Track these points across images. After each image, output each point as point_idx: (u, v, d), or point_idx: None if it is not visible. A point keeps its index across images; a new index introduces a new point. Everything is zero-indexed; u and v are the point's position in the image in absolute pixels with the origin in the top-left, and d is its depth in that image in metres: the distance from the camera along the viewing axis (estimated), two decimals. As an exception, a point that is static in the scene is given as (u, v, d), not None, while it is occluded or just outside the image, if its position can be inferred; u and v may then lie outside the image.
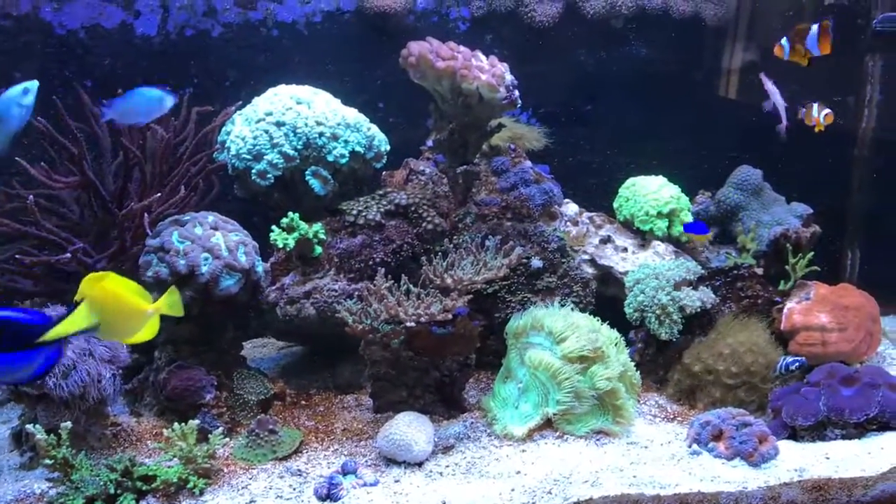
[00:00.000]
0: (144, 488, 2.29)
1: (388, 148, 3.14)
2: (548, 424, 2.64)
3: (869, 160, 3.64)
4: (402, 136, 3.33)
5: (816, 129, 3.01)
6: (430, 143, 3.18)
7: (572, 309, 2.90)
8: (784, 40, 2.75)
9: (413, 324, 2.48)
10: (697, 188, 3.51)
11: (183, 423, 2.40)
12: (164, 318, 2.72)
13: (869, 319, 3.06)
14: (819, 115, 3.04)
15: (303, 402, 2.91)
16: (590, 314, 2.94)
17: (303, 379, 3.08)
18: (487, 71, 2.78)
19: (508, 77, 2.85)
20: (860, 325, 3.01)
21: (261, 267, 2.79)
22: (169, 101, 2.47)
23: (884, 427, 2.55)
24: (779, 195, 3.37)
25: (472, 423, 2.72)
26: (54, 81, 2.95)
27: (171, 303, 2.17)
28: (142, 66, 3.20)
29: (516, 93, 2.86)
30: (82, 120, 2.87)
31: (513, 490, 2.27)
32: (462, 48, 2.90)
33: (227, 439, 2.54)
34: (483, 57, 2.91)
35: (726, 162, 3.39)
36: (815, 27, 2.66)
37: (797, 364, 2.76)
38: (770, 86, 3.06)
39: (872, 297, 3.14)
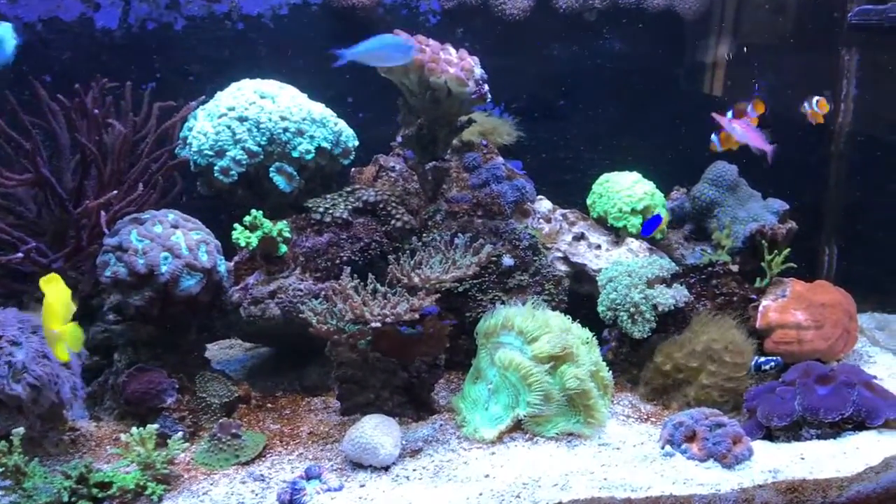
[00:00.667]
0: (101, 495, 2.21)
1: (357, 144, 3.07)
2: (518, 426, 2.58)
3: (846, 156, 3.60)
4: (372, 132, 3.26)
5: (816, 122, 2.99)
6: (399, 139, 3.11)
7: (544, 308, 2.84)
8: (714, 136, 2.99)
9: (379, 324, 2.41)
10: (673, 184, 3.46)
11: (142, 428, 2.34)
12: (127, 317, 2.70)
13: (845, 317, 3.03)
14: (813, 107, 3.00)
15: (268, 405, 2.84)
16: (562, 312, 2.89)
17: (269, 381, 3.01)
18: (456, 64, 2.71)
19: (478, 71, 2.79)
20: (837, 322, 2.98)
21: (223, 266, 2.72)
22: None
23: (859, 427, 2.51)
24: (755, 191, 3.32)
25: (441, 425, 2.66)
26: (10, 76, 2.86)
27: (72, 335, 2.17)
28: (102, 60, 3.11)
29: (485, 87, 2.80)
30: (39, 115, 2.79)
31: (480, 494, 2.21)
32: (431, 41, 2.84)
33: (188, 444, 2.46)
34: (453, 50, 2.85)
35: (702, 158, 3.33)
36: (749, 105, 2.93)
37: (771, 364, 2.71)
38: (728, 124, 3.00)
39: (850, 293, 3.12)
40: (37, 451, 2.40)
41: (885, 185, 3.53)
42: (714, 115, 3.01)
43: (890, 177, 3.51)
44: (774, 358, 2.71)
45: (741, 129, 2.96)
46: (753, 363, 2.70)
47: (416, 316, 2.45)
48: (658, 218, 2.73)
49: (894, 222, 3.55)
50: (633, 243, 3.20)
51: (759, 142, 2.98)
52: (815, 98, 2.97)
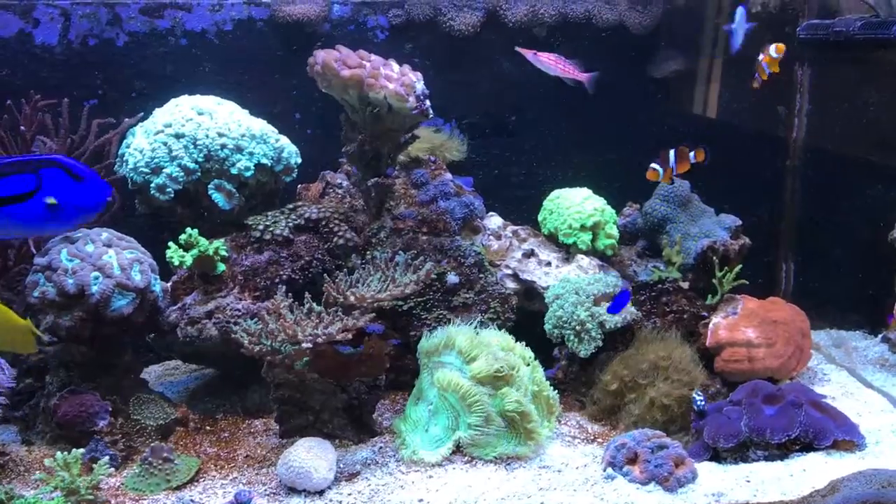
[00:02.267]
0: (22, 523, 2.16)
1: (300, 161, 3.02)
2: (459, 448, 2.53)
3: (801, 170, 3.57)
4: (320, 148, 3.21)
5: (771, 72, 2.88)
6: (344, 156, 3.07)
7: (489, 326, 2.80)
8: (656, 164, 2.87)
9: (310, 344, 2.36)
10: (628, 200, 3.42)
11: (66, 452, 2.27)
12: (57, 339, 2.64)
13: (798, 334, 2.98)
14: (771, 53, 2.88)
15: (207, 428, 2.77)
16: (510, 330, 2.85)
17: (211, 403, 2.94)
18: (396, 80, 2.67)
19: (420, 86, 2.75)
20: (789, 339, 2.94)
21: (158, 286, 2.66)
22: None
23: (807, 448, 2.46)
24: (707, 207, 3.28)
25: (381, 447, 2.61)
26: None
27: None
28: (42, 76, 3.05)
29: (427, 102, 2.76)
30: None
31: (413, 520, 2.16)
32: (374, 57, 2.80)
33: (112, 469, 2.39)
34: (396, 66, 2.81)
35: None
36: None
37: (699, 403, 2.62)
38: (533, 57, 2.90)
39: (807, 310, 3.07)
40: (-38, 476, 2.34)
41: (841, 200, 3.49)
42: (518, 48, 2.92)
43: (845, 192, 3.48)
44: (704, 398, 2.63)
45: (549, 60, 2.89)
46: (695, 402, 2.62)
47: (349, 336, 2.40)
48: (626, 295, 2.68)
49: (851, 238, 3.51)
50: (583, 260, 3.15)
51: (572, 72, 2.90)
52: (773, 45, 2.86)
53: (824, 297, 3.53)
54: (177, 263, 2.62)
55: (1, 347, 2.38)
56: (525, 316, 3.07)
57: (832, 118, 3.40)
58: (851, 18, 2.93)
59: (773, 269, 3.69)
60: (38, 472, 2.45)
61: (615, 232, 3.27)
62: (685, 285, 3.03)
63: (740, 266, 3.00)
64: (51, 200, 2.15)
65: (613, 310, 2.72)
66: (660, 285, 3.00)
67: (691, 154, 2.84)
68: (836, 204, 3.52)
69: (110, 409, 2.57)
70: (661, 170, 2.80)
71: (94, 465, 2.29)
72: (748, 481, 2.32)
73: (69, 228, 2.47)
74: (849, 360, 3.28)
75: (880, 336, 3.37)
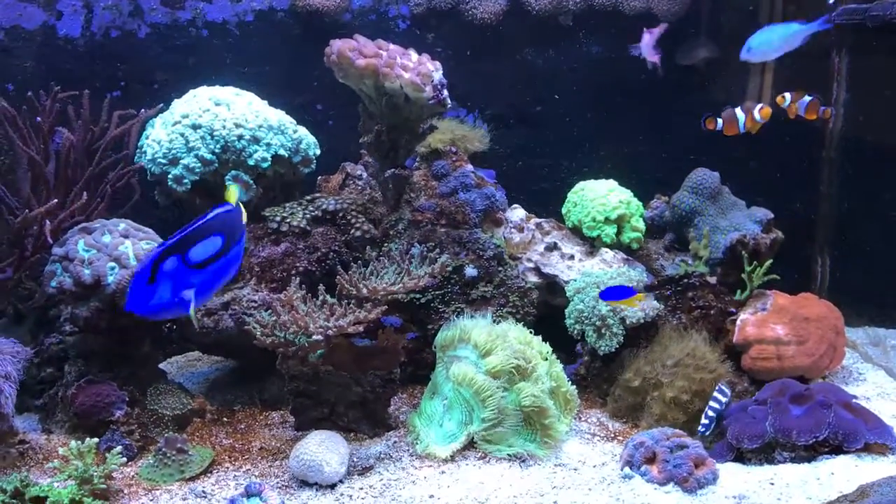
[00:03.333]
0: (36, 510, 2.18)
1: (318, 152, 3.00)
2: (472, 444, 2.49)
3: (838, 162, 3.45)
4: (342, 139, 3.20)
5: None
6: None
7: (508, 320, 2.75)
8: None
9: (321, 336, 2.33)
10: (656, 192, 3.34)
11: (80, 442, 2.29)
12: (77, 329, 2.66)
13: (832, 331, 2.88)
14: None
15: (224, 419, 2.78)
16: (531, 325, 2.79)
17: (229, 394, 2.94)
18: (412, 69, 2.63)
19: (437, 76, 2.70)
20: (822, 337, 2.83)
21: (175, 277, 2.66)
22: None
23: (836, 450, 2.36)
24: (738, 199, 3.18)
25: (395, 441, 2.58)
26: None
27: None
28: (65, 68, 3.09)
29: (445, 92, 2.71)
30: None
31: (422, 516, 2.13)
32: (392, 46, 2.76)
33: (125, 458, 2.41)
34: (414, 55, 2.77)
35: (686, 165, 3.21)
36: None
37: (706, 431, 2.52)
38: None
39: (844, 307, 2.96)
40: (-16, 463, 2.38)
41: (879, 192, 3.36)
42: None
43: (884, 184, 3.35)
44: (707, 424, 2.52)
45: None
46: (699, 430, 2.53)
47: (360, 329, 2.37)
48: (626, 289, 2.55)
49: (890, 232, 3.38)
50: (608, 254, 3.08)
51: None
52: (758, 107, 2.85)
53: (862, 293, 3.41)
54: (192, 254, 2.62)
55: None
56: (548, 310, 3.02)
57: (870, 107, 3.28)
58: (889, 1, 2.80)
59: (809, 264, 3.57)
60: (55, 460, 2.49)
61: (641, 225, 3.19)
62: (713, 280, 2.94)
63: (771, 261, 2.90)
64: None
65: (606, 296, 2.59)
66: (686, 280, 2.91)
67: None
68: (874, 196, 3.40)
69: (127, 399, 2.59)
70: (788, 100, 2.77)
71: (108, 455, 2.31)
72: (772, 484, 2.23)
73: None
74: (886, 360, 3.15)
75: (920, 334, 3.24)
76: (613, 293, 2.54)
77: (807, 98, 2.81)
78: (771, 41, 2.63)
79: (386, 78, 2.62)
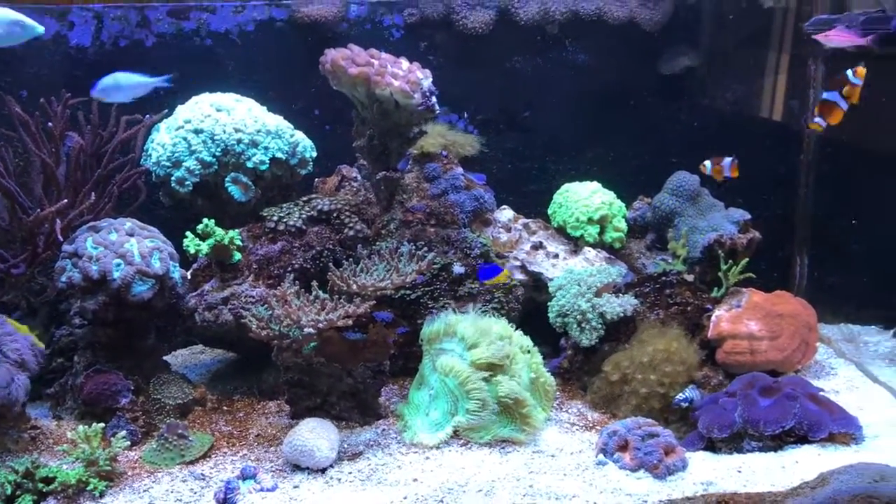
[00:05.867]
0: (45, 490, 2.32)
1: (315, 154, 3.15)
2: (456, 433, 2.62)
3: (815, 165, 3.56)
4: (339, 143, 3.33)
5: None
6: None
7: (492, 315, 2.88)
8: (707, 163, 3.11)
9: (312, 329, 2.48)
10: (639, 194, 3.46)
11: (87, 426, 2.44)
12: (86, 322, 2.81)
13: (804, 328, 2.99)
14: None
15: (224, 408, 2.93)
16: (514, 320, 2.93)
17: (229, 385, 3.09)
18: (402, 77, 2.77)
19: (426, 83, 2.84)
20: (794, 333, 2.94)
21: (177, 273, 2.81)
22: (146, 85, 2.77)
23: (802, 440, 2.48)
24: (717, 201, 3.30)
25: (384, 430, 2.72)
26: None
27: None
28: (76, 76, 3.25)
29: (433, 99, 2.85)
30: (12, 129, 2.94)
31: (405, 498, 2.26)
32: (384, 55, 2.90)
33: (129, 442, 2.56)
34: (405, 63, 2.91)
35: (668, 167, 3.33)
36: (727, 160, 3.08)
37: (682, 403, 2.68)
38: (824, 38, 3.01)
39: (821, 305, 3.07)
40: (-3, 446, 2.53)
41: (855, 194, 3.47)
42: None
43: (859, 186, 3.45)
44: (686, 397, 2.68)
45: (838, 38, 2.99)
46: (674, 401, 2.69)
47: (350, 322, 2.51)
48: (494, 268, 2.78)
49: (865, 232, 3.49)
50: (590, 252, 3.21)
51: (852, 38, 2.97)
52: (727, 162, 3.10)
53: (839, 292, 3.52)
54: (192, 252, 2.77)
55: None
56: (534, 307, 3.15)
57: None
58: (856, 14, 2.92)
59: (788, 263, 3.68)
60: (64, 444, 2.64)
61: (623, 225, 3.32)
62: (690, 278, 3.06)
63: (747, 260, 3.02)
64: None
65: (482, 275, 2.82)
66: (664, 278, 3.04)
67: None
68: (850, 198, 3.50)
69: (132, 387, 2.73)
70: (709, 167, 3.04)
71: (113, 439, 2.46)
72: (739, 471, 2.35)
73: None
74: (858, 355, 3.26)
75: (892, 331, 3.34)
76: (487, 273, 2.74)
77: (727, 159, 3.07)
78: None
79: (377, 85, 2.75)
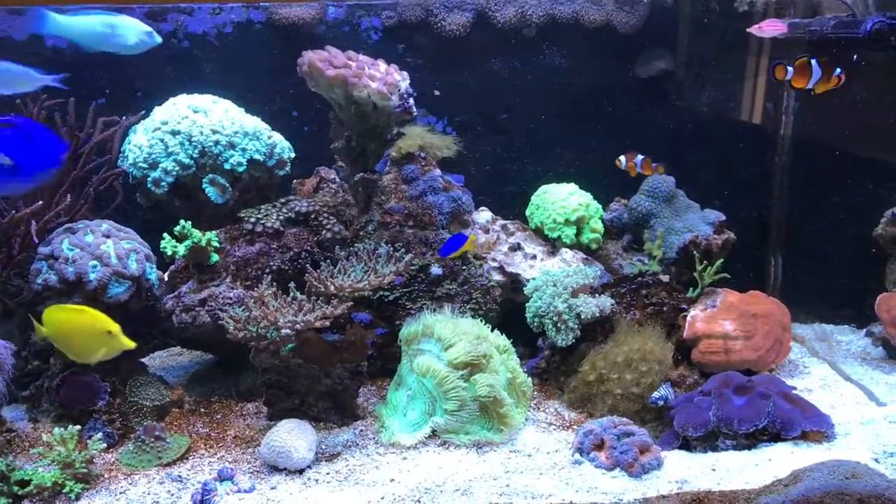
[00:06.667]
0: (21, 493, 2.31)
1: (293, 155, 3.15)
2: (434, 433, 2.63)
3: (789, 166, 3.60)
4: (317, 145, 3.34)
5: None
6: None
7: (469, 316, 2.90)
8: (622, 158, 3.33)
9: (289, 330, 2.48)
10: (616, 196, 3.49)
11: (63, 429, 2.43)
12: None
13: (778, 327, 3.03)
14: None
15: (202, 410, 2.92)
16: (492, 320, 2.95)
17: (207, 386, 3.09)
18: (379, 79, 2.79)
19: (404, 85, 2.86)
20: (769, 332, 2.98)
21: (154, 275, 2.81)
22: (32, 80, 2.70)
23: (775, 438, 2.51)
24: (693, 202, 3.34)
25: (362, 430, 2.72)
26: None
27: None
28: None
29: (411, 101, 2.87)
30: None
31: (382, 498, 2.27)
32: (361, 57, 2.92)
33: (105, 444, 2.55)
34: (383, 65, 2.93)
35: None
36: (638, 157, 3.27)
37: (658, 401, 2.72)
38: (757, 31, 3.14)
39: (795, 305, 3.11)
40: (-28, 449, 2.51)
41: (828, 195, 3.52)
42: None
43: (833, 188, 3.50)
44: (661, 395, 2.72)
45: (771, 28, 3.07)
46: (650, 399, 2.73)
47: (327, 323, 2.52)
48: (460, 237, 2.77)
49: (839, 233, 3.54)
50: (567, 253, 3.24)
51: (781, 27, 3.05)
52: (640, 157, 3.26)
53: (813, 292, 3.57)
54: (169, 253, 2.77)
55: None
56: (513, 307, 3.17)
57: (819, 115, 3.43)
58: (826, 17, 2.97)
59: (763, 264, 3.72)
60: (40, 447, 2.62)
61: (600, 226, 3.35)
62: (666, 278, 3.09)
63: (722, 260, 3.06)
64: (6, 160, 2.32)
65: (446, 250, 2.81)
66: (640, 278, 3.07)
67: (653, 164, 3.21)
68: (824, 200, 3.55)
69: (109, 389, 2.72)
70: (624, 162, 3.16)
71: (89, 442, 2.45)
72: (713, 470, 2.38)
73: (29, 186, 2.59)
74: (831, 354, 3.31)
75: (865, 331, 3.39)
76: (451, 245, 2.72)
77: (640, 157, 3.25)
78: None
79: (354, 87, 2.77)
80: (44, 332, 2.51)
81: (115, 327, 2.46)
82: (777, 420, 2.51)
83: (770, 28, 3.10)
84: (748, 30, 3.11)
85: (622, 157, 3.22)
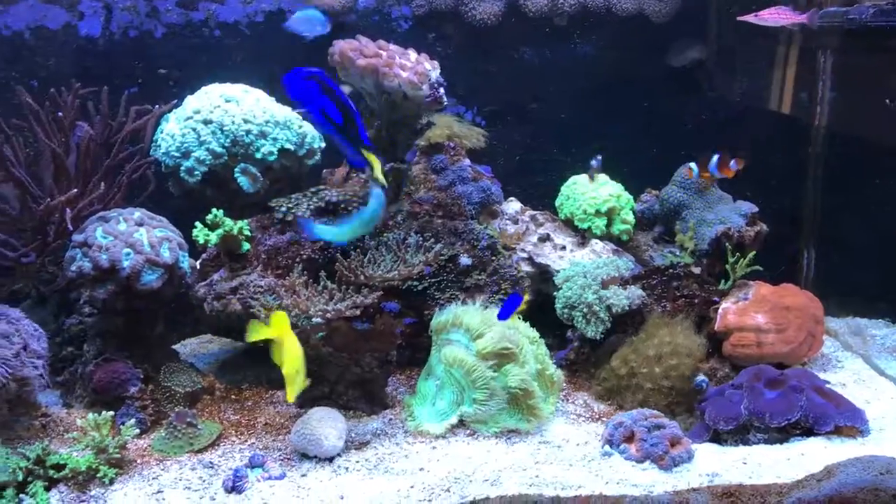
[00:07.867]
0: (56, 476, 2.34)
1: (323, 145, 3.16)
2: (462, 422, 2.63)
3: (823, 158, 3.56)
4: (349, 135, 3.34)
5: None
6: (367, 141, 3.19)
7: (498, 306, 2.89)
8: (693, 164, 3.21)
9: (320, 319, 2.50)
10: (647, 186, 3.47)
11: (97, 414, 2.46)
12: (95, 311, 2.84)
13: (811, 320, 2.99)
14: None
15: (233, 397, 2.94)
16: (525, 312, 2.92)
17: (238, 374, 3.11)
18: (410, 69, 2.78)
19: (434, 75, 2.85)
20: (801, 325, 2.94)
21: (186, 262, 2.83)
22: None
23: (808, 432, 2.48)
24: (725, 193, 3.31)
25: (391, 419, 2.73)
26: (-1, 82, 3.05)
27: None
28: (86, 66, 3.27)
29: (441, 91, 2.85)
30: (23, 119, 2.95)
31: (412, 487, 2.28)
32: (392, 46, 2.91)
33: (139, 430, 2.58)
34: (413, 55, 2.92)
35: (677, 160, 3.34)
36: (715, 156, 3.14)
37: (703, 383, 2.71)
38: (755, 18, 3.05)
39: (829, 298, 3.07)
40: (7, 434, 2.54)
41: (863, 187, 3.47)
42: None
43: (867, 179, 3.45)
44: (705, 379, 2.71)
45: (771, 16, 2.99)
46: (695, 382, 2.71)
47: (358, 312, 2.53)
48: (516, 297, 2.63)
49: (872, 226, 3.48)
50: (597, 245, 3.22)
51: (791, 17, 2.99)
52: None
53: (847, 286, 3.51)
54: (201, 242, 2.79)
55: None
56: (542, 298, 3.16)
57: (854, 105, 3.38)
58: (866, 6, 2.91)
59: (795, 256, 3.68)
60: (74, 431, 2.66)
61: (631, 217, 3.33)
62: (697, 270, 3.07)
63: (754, 252, 3.03)
64: None
65: (503, 315, 2.59)
66: (671, 270, 3.04)
67: (732, 162, 3.07)
68: (858, 192, 3.49)
69: (142, 376, 2.75)
70: (695, 170, 3.06)
71: (122, 427, 2.48)
72: (745, 463, 2.36)
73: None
74: (864, 348, 3.26)
75: (899, 324, 3.35)
76: (507, 310, 2.60)
77: (715, 156, 3.14)
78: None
79: (385, 77, 2.76)
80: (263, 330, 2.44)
81: (299, 372, 2.41)
82: (810, 414, 2.48)
83: (774, 17, 3.00)
84: (738, 18, 3.02)
85: (692, 165, 3.14)
